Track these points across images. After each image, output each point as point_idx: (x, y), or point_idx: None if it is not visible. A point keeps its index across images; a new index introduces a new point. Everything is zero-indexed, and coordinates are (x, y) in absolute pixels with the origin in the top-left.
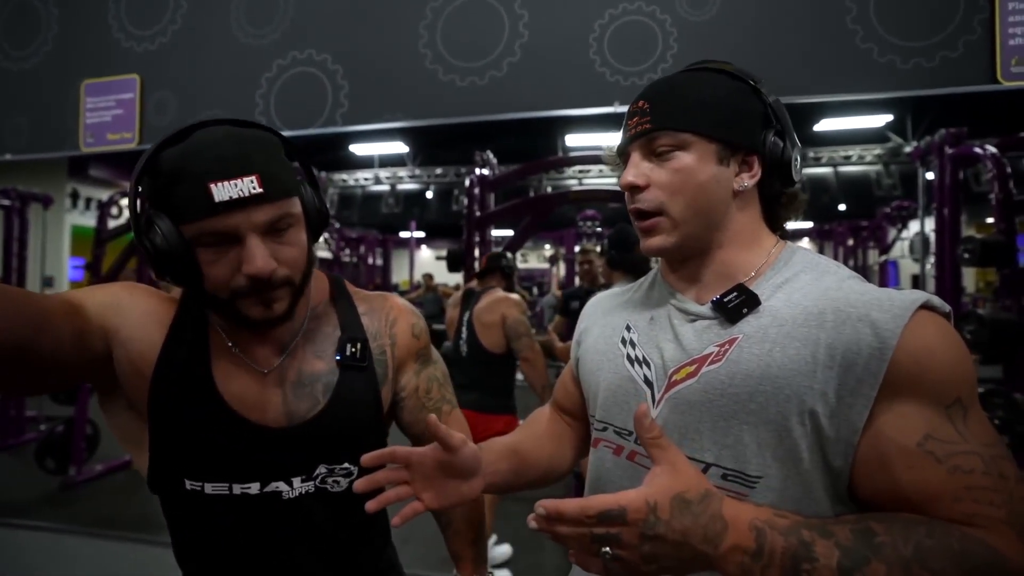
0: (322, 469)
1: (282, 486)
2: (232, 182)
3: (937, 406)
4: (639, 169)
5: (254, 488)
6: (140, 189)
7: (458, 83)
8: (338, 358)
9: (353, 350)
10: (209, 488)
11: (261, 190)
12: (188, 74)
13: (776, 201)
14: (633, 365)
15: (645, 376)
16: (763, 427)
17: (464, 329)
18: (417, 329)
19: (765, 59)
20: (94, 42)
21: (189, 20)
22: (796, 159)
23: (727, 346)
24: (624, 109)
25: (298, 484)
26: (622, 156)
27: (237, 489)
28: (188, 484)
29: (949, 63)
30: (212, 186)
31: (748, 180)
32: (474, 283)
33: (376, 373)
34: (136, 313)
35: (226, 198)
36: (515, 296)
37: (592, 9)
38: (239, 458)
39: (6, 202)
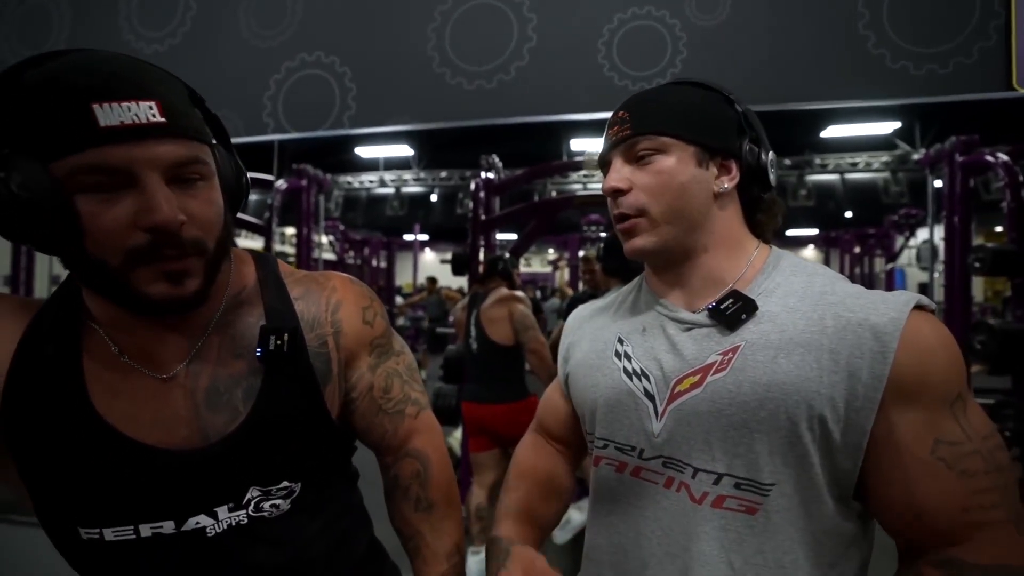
0: (254, 493)
1: (204, 520)
2: (125, 104)
3: (943, 405)
4: (621, 173)
5: (167, 527)
6: None
7: (465, 86)
8: (259, 353)
9: (279, 342)
10: (110, 534)
11: (163, 120)
12: (197, 75)
13: (755, 206)
14: (632, 379)
15: (645, 389)
16: (774, 434)
17: (473, 327)
18: (370, 314)
19: (775, 64)
20: (104, 43)
21: (198, 22)
22: (772, 165)
23: (731, 354)
24: None
25: (225, 515)
26: (604, 166)
27: (146, 531)
28: (84, 533)
29: (964, 69)
30: (96, 107)
31: (728, 182)
32: (478, 287)
33: (315, 370)
34: None
35: (116, 123)
36: (519, 292)
37: (601, 13)
38: (141, 493)
39: None
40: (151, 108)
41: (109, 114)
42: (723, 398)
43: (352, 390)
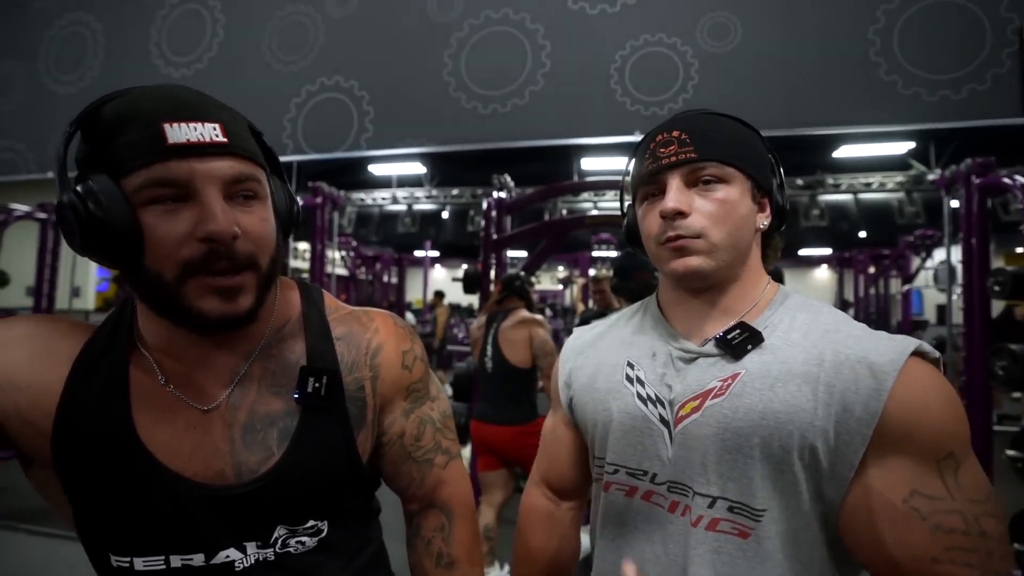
0: (281, 531)
1: (234, 554)
2: (191, 124)
3: (928, 460)
4: (683, 195)
5: (197, 560)
6: (67, 151)
7: (481, 110)
8: (297, 396)
9: (317, 385)
10: (140, 564)
11: (224, 140)
12: (221, 98)
13: (766, 243)
14: (646, 404)
15: (660, 415)
16: (767, 461)
17: (489, 346)
18: (409, 358)
19: (786, 90)
20: (136, 67)
21: (224, 47)
22: (787, 208)
23: (730, 380)
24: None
25: (253, 550)
26: (648, 183)
27: (176, 562)
28: (114, 560)
29: (977, 96)
30: (166, 126)
31: (765, 220)
32: (495, 306)
33: (350, 415)
34: (22, 353)
35: (182, 140)
36: (540, 317)
37: (614, 40)
38: (174, 525)
39: (43, 216)
40: (215, 129)
41: (177, 132)
42: (719, 423)
43: (384, 435)
